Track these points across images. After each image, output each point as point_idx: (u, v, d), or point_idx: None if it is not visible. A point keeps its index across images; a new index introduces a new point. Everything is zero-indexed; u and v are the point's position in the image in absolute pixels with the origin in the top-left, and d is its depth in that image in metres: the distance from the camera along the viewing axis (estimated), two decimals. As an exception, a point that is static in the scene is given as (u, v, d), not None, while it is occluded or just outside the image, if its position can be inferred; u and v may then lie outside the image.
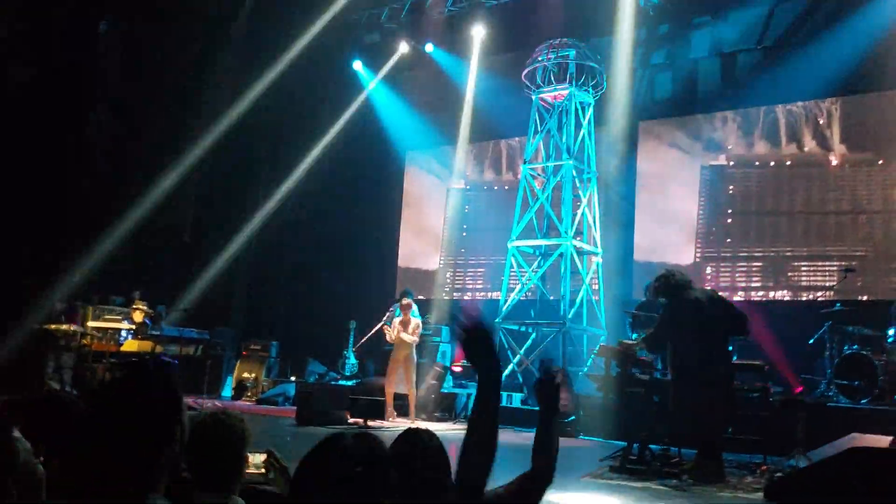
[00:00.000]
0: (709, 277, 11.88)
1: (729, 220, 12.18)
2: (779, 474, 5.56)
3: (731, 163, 12.25)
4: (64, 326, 9.78)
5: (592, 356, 11.02)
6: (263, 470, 2.60)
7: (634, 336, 8.32)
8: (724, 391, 6.21)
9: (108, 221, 11.74)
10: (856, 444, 5.26)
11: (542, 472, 2.44)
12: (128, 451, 1.67)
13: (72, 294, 10.83)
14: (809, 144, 11.69)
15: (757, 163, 12.04)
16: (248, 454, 2.51)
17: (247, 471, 2.54)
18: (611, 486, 5.53)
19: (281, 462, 2.61)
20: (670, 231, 12.56)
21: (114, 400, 1.73)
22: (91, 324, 9.98)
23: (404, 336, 9.79)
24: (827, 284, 9.94)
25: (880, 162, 11.06)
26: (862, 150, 11.24)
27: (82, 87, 11.93)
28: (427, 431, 2.40)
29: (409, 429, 2.40)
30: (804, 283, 11.26)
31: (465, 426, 7.09)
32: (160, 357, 10.08)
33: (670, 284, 6.49)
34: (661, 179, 12.75)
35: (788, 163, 11.82)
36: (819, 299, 9.30)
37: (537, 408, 2.61)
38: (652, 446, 6.75)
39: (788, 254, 11.55)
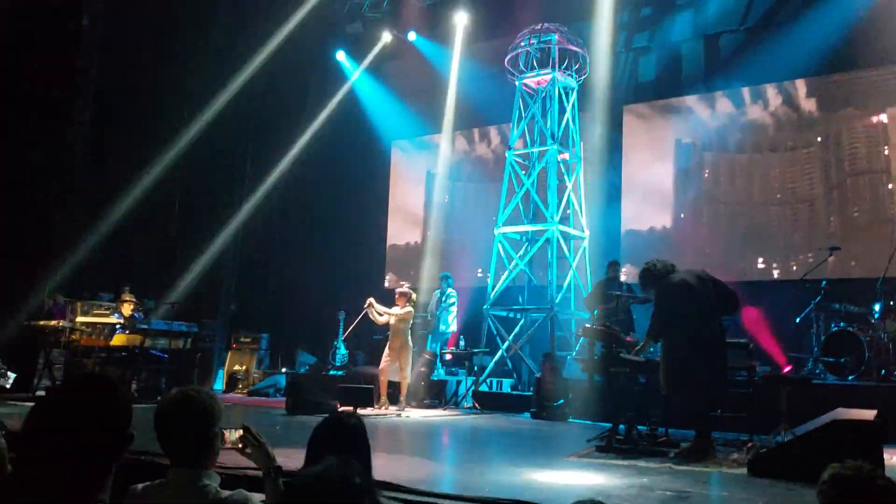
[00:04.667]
0: (696, 257, 11.90)
1: (716, 200, 12.24)
2: (763, 450, 5.61)
3: (716, 143, 12.29)
4: (52, 322, 9.75)
5: (581, 340, 11.06)
6: (241, 445, 2.63)
7: (595, 313, 8.42)
8: (718, 369, 6.26)
9: (94, 217, 11.70)
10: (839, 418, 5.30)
11: None
12: (73, 465, 1.71)
13: (59, 290, 10.81)
14: (793, 122, 11.75)
15: (741, 142, 12.09)
16: (225, 431, 2.54)
17: (225, 447, 2.56)
18: (596, 464, 5.56)
19: (258, 438, 2.65)
20: (657, 214, 12.62)
21: (56, 417, 1.77)
22: (80, 319, 9.92)
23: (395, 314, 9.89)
24: (812, 262, 9.97)
25: (863, 138, 11.12)
26: (844, 127, 11.30)
27: (65, 83, 11.87)
28: (352, 415, 2.53)
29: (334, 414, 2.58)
30: (790, 262, 11.33)
31: (454, 412, 7.22)
32: (149, 351, 10.09)
33: (654, 274, 6.53)
34: (647, 162, 12.79)
35: (772, 141, 11.87)
36: (805, 278, 9.33)
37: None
38: (640, 427, 6.81)
39: (774, 232, 11.63)
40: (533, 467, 5.32)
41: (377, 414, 9.42)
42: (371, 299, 10.22)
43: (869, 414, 5.56)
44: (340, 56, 15.75)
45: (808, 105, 11.67)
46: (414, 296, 10.32)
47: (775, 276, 11.41)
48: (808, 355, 9.26)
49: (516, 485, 4.58)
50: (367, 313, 10.25)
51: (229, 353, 13.28)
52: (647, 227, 12.68)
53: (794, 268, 11.13)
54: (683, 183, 12.53)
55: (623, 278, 10.87)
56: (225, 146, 14.35)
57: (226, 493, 2.35)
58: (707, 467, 5.59)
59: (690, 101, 12.60)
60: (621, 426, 6.62)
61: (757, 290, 10.78)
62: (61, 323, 9.59)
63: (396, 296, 10.23)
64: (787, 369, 9.66)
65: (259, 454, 2.66)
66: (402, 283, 11.98)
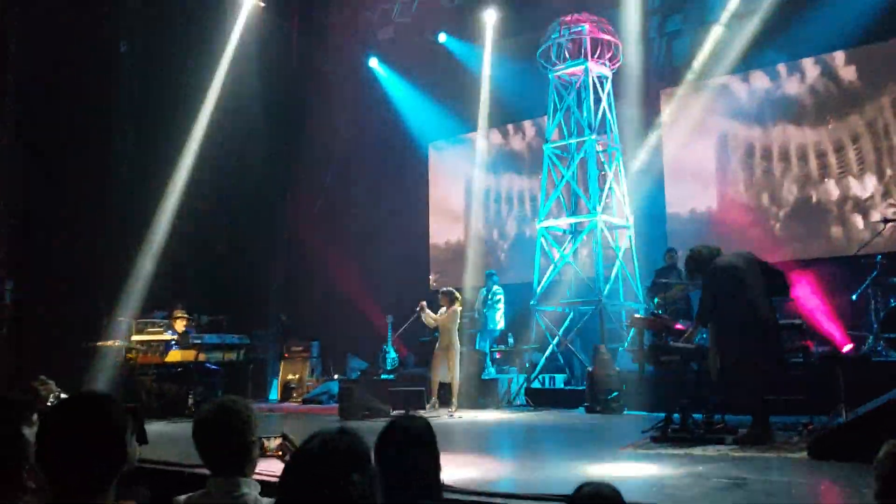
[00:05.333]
0: (742, 239, 11.66)
1: (759, 179, 11.98)
2: (823, 432, 5.46)
3: (756, 121, 12.04)
4: (109, 343, 10.00)
5: (633, 331, 10.91)
6: (280, 452, 2.66)
7: (656, 301, 8.26)
8: (771, 352, 6.13)
9: (141, 237, 11.99)
10: (900, 395, 5.14)
11: None
12: (76, 475, 1.87)
13: (114, 312, 11.07)
14: (834, 96, 11.45)
15: (781, 118, 11.82)
16: (264, 439, 2.57)
17: (265, 454, 2.59)
18: (650, 455, 5.48)
19: (296, 444, 2.67)
20: (701, 197, 12.41)
21: (52, 436, 1.90)
22: (135, 337, 10.18)
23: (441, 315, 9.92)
24: (866, 237, 9.68)
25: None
26: (889, 96, 10.96)
27: (107, 108, 12.17)
28: (414, 418, 2.48)
29: (397, 417, 2.51)
30: (841, 238, 11.02)
31: (507, 411, 7.19)
32: (204, 364, 10.26)
33: (699, 260, 6.45)
34: (688, 146, 12.58)
35: (813, 116, 11.58)
36: (858, 253, 9.05)
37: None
38: (696, 415, 6.69)
39: (821, 208, 11.34)
40: (586, 461, 5.28)
41: (428, 416, 9.43)
42: (423, 303, 10.30)
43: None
44: (373, 63, 15.85)
45: (850, 76, 11.35)
46: (457, 294, 10.31)
47: (826, 253, 11.09)
48: (868, 333, 9.00)
49: (569, 479, 4.52)
50: (419, 316, 10.33)
51: (282, 363, 13.45)
52: (692, 210, 12.49)
53: (847, 244, 10.82)
54: (725, 164, 12.29)
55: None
56: (264, 160, 14.53)
57: (265, 500, 2.38)
58: (766, 453, 5.48)
59: (727, 80, 12.36)
60: (676, 415, 6.51)
61: (809, 269, 10.52)
62: (118, 342, 9.82)
63: (440, 297, 10.27)
64: (847, 348, 9.39)
65: None
66: (444, 286, 11.99)
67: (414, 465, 2.33)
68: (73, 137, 11.52)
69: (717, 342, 6.16)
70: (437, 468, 2.43)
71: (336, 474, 1.65)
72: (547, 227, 12.27)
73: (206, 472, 2.47)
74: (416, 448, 2.42)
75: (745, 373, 6.03)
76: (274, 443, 2.65)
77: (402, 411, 9.36)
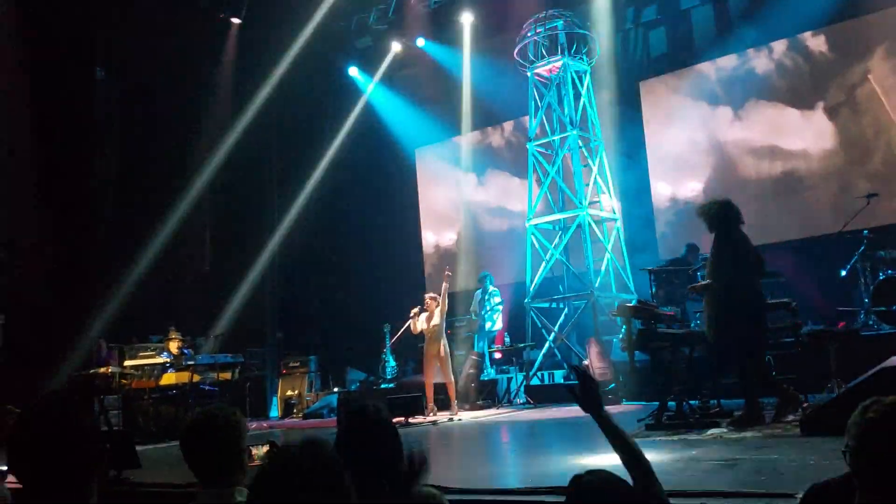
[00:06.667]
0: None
1: (742, 163, 11.99)
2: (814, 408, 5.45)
3: (736, 104, 12.06)
4: (102, 369, 9.96)
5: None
6: (268, 460, 2.62)
7: (658, 293, 8.24)
8: (764, 328, 6.15)
9: (127, 263, 11.96)
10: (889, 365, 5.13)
11: (640, 477, 2.39)
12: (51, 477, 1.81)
13: (104, 338, 11.04)
14: (811, 74, 11.49)
15: (761, 100, 11.84)
16: (252, 447, 2.53)
17: (251, 463, 2.56)
18: (645, 442, 5.45)
19: None
20: (686, 184, 12.43)
21: (22, 443, 1.85)
22: (128, 363, 10.15)
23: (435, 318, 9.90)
24: (850, 212, 9.66)
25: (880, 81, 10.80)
26: (861, 75, 11.01)
27: (85, 133, 12.17)
28: (373, 406, 2.38)
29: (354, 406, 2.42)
30: (827, 215, 11.01)
31: (507, 410, 7.11)
32: (199, 386, 10.22)
33: (730, 216, 6.33)
34: (670, 135, 12.61)
35: (790, 97, 11.62)
36: (844, 229, 9.02)
37: (576, 381, 2.64)
38: (692, 401, 6.68)
39: (806, 186, 11.36)
40: (582, 453, 5.25)
41: (429, 421, 9.40)
42: (415, 309, 10.27)
43: (923, 358, 5.37)
44: (353, 71, 15.85)
45: (825, 55, 11.40)
46: (433, 297, 10.27)
47: (813, 232, 11.08)
48: (859, 308, 8.99)
49: (562, 472, 4.51)
50: (409, 324, 10.31)
51: (280, 380, 13.40)
52: (678, 198, 12.49)
53: (832, 220, 10.82)
54: (707, 150, 12.31)
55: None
56: (250, 176, 14.53)
57: None
58: (760, 432, 5.46)
59: (705, 67, 12.39)
60: (671, 402, 6.49)
61: (797, 247, 10.52)
62: (110, 369, 9.79)
63: (426, 302, 10.27)
64: (840, 325, 9.37)
65: None
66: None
67: (372, 447, 2.26)
68: (56, 163, 11.52)
69: (712, 312, 6.11)
70: (398, 447, 2.32)
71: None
72: (536, 225, 12.28)
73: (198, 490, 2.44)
74: (371, 428, 2.32)
75: (737, 343, 6.03)
76: (262, 450, 2.62)
77: (402, 419, 9.33)
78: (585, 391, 2.59)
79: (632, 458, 2.44)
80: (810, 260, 10.17)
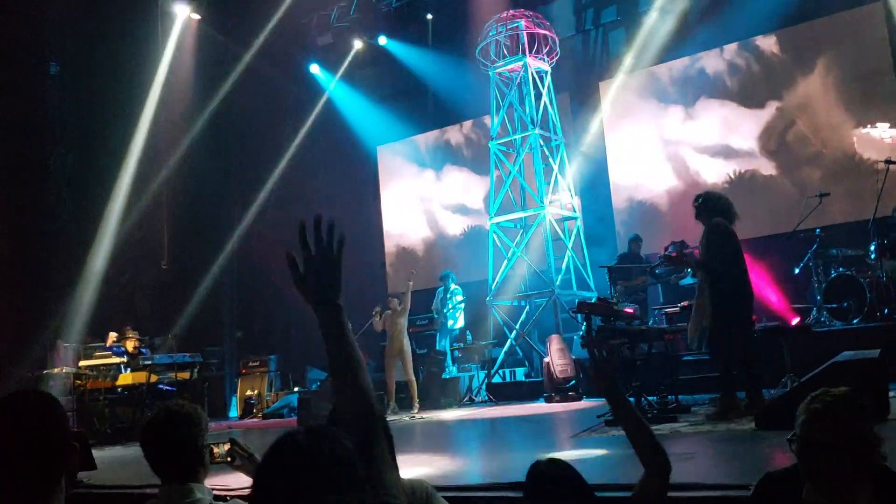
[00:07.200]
0: (689, 220, 11.83)
1: (699, 162, 12.19)
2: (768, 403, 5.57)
3: (694, 104, 12.26)
4: (56, 370, 9.76)
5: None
6: (229, 458, 2.60)
7: (615, 289, 8.33)
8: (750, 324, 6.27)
9: (83, 262, 11.72)
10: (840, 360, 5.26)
11: (654, 467, 2.28)
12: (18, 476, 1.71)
13: (59, 338, 10.82)
14: (763, 76, 11.74)
15: (717, 102, 12.06)
16: (213, 445, 2.51)
17: (214, 461, 2.54)
18: (602, 439, 5.53)
19: (245, 449, 2.62)
20: (645, 185, 12.58)
21: None
22: (83, 363, 9.95)
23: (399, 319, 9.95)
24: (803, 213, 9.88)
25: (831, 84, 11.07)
26: (813, 76, 11.28)
27: (39, 130, 11.90)
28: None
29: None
30: (781, 215, 11.24)
31: (469, 408, 7.06)
32: (157, 386, 10.07)
33: (720, 208, 6.41)
34: (629, 134, 12.77)
35: (744, 98, 11.85)
36: (798, 228, 9.21)
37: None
38: (650, 397, 6.76)
39: (760, 185, 11.59)
40: (540, 449, 5.30)
41: (390, 419, 9.38)
42: (377, 308, 10.30)
43: (872, 354, 5.51)
44: (314, 69, 15.74)
45: (778, 57, 11.67)
46: (396, 295, 10.39)
47: (767, 230, 11.31)
48: (812, 304, 9.20)
49: (522, 468, 4.53)
50: (372, 322, 10.35)
51: (239, 380, 13.26)
52: (639, 198, 12.65)
53: (786, 219, 11.05)
54: (664, 149, 12.49)
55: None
56: (209, 173, 14.35)
57: None
58: (716, 427, 5.55)
59: (664, 67, 12.55)
60: (630, 398, 6.56)
61: (753, 246, 10.70)
62: (65, 369, 9.60)
63: (389, 301, 10.35)
64: (794, 321, 9.57)
65: (248, 466, 2.63)
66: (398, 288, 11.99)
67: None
68: (10, 161, 11.25)
69: (713, 301, 6.12)
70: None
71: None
72: (498, 223, 12.33)
73: (157, 491, 2.40)
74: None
75: (734, 337, 6.04)
76: (223, 448, 2.59)
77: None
78: (600, 372, 2.42)
79: (648, 448, 2.28)
80: (765, 258, 10.35)
